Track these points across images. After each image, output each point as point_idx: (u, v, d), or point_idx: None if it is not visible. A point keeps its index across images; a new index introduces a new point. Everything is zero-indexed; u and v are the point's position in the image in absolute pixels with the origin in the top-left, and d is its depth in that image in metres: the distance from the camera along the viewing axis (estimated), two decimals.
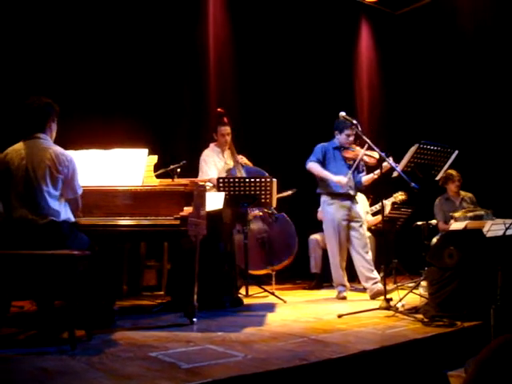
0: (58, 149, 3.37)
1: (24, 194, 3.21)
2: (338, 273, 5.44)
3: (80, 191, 3.45)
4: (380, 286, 5.28)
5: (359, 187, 5.62)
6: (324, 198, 5.52)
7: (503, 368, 1.07)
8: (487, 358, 1.09)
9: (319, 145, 5.55)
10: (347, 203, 5.42)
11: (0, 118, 5.07)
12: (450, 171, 6.38)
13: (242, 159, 6.01)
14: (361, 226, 5.45)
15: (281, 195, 5.83)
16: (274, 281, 6.06)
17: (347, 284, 5.50)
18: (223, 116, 5.92)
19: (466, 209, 6.21)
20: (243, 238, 5.48)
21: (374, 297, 5.23)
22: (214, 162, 5.79)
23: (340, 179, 5.23)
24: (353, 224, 5.42)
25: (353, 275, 5.74)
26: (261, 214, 6.31)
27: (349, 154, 5.41)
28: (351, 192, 5.47)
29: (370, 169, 5.53)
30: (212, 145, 5.93)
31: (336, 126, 5.48)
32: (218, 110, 6.06)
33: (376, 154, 5.05)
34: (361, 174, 5.58)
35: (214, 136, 5.93)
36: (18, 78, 5.41)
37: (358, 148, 5.40)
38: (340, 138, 5.47)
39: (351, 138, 5.43)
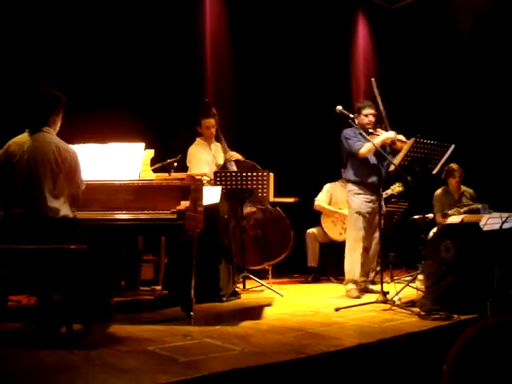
0: (62, 144, 3.34)
1: (24, 189, 3.20)
2: (353, 268, 5.09)
3: (83, 187, 3.45)
4: (368, 285, 5.29)
5: (388, 173, 5.22)
6: (351, 187, 5.23)
7: (474, 362, 1.08)
8: (456, 355, 1.10)
9: (348, 130, 5.17)
10: (374, 197, 5.15)
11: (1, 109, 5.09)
12: (452, 165, 6.39)
13: (234, 155, 5.88)
14: (379, 221, 5.09)
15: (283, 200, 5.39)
16: (271, 275, 6.08)
17: (359, 280, 5.15)
18: (211, 107, 5.84)
19: (459, 204, 6.27)
20: (240, 232, 5.48)
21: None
22: (199, 157, 5.66)
23: (387, 135, 4.94)
24: (376, 218, 5.17)
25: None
26: (254, 210, 6.28)
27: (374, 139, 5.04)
28: (378, 181, 5.09)
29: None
30: (198, 139, 5.79)
31: (356, 109, 5.26)
32: (206, 100, 5.98)
33: (401, 136, 4.99)
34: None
35: (198, 129, 5.75)
36: (16, 71, 5.40)
37: (383, 132, 5.12)
38: (359, 120, 5.18)
39: (371, 118, 5.21)
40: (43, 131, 3.34)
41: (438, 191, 6.62)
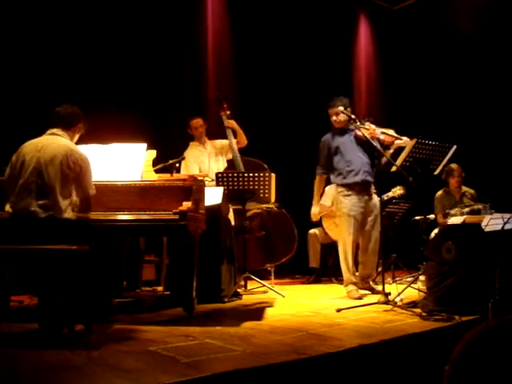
0: (73, 146, 3.41)
1: (33, 185, 3.24)
2: (348, 271, 5.06)
3: (92, 193, 3.46)
4: (371, 284, 5.25)
5: (380, 169, 4.99)
6: (340, 188, 5.12)
7: (477, 363, 1.08)
8: (459, 355, 1.10)
9: (321, 143, 5.27)
10: (365, 197, 5.09)
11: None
12: (451, 165, 6.35)
13: (231, 123, 5.81)
14: (375, 220, 5.08)
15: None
16: (273, 276, 6.08)
17: (357, 280, 5.15)
18: (222, 100, 5.84)
19: (461, 204, 6.23)
20: (242, 233, 5.47)
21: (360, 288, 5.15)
22: (196, 157, 5.61)
23: (313, 211, 5.37)
24: (369, 218, 5.11)
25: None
26: (259, 211, 6.28)
27: (360, 133, 4.97)
28: (369, 178, 5.10)
29: None
30: (191, 143, 5.68)
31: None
32: (217, 93, 5.97)
33: (392, 131, 4.97)
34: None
35: (189, 131, 5.72)
36: (19, 72, 5.43)
37: (372, 126, 5.06)
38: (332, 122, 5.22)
39: (334, 118, 5.15)
40: (59, 135, 3.42)
41: (439, 192, 6.60)
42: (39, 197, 3.22)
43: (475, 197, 6.51)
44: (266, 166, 6.07)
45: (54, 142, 3.36)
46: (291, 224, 6.36)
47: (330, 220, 6.66)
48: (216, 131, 6.03)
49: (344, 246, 5.09)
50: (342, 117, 5.12)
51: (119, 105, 5.98)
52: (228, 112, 5.86)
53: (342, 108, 5.07)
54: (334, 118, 5.18)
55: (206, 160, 5.67)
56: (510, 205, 4.85)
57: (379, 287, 4.71)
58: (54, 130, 3.43)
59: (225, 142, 5.83)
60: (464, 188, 6.54)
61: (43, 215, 3.18)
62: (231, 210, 5.47)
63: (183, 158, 4.95)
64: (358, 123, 4.95)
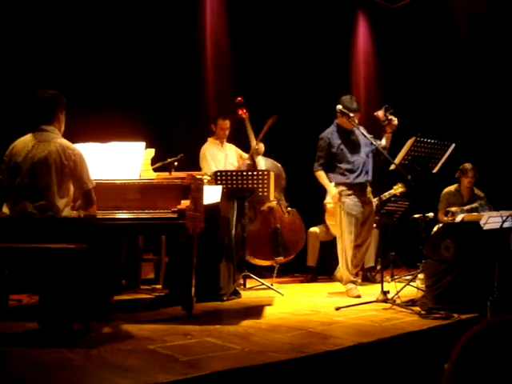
0: (65, 142, 3.38)
1: (28, 187, 3.23)
2: (347, 269, 5.03)
3: (90, 186, 3.44)
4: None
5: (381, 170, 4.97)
6: (340, 187, 5.06)
7: (478, 362, 1.08)
8: (459, 354, 1.10)
9: (321, 140, 5.16)
10: (364, 197, 5.10)
11: (5, 111, 5.11)
12: (466, 165, 6.29)
13: (260, 146, 6.02)
14: (372, 220, 5.17)
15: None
16: (276, 273, 6.08)
17: (356, 279, 5.17)
18: (242, 106, 5.93)
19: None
20: (241, 231, 5.48)
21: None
22: (214, 155, 5.75)
23: (334, 195, 5.02)
24: (368, 220, 5.15)
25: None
26: (273, 204, 6.30)
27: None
28: (368, 178, 5.12)
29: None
30: (210, 139, 5.87)
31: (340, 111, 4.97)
32: (239, 98, 6.09)
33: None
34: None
35: (213, 128, 5.84)
36: (17, 71, 5.41)
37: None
38: (340, 121, 5.09)
39: (356, 121, 4.98)
40: (47, 131, 3.37)
41: (449, 189, 6.49)
42: (34, 199, 3.21)
43: (485, 200, 6.38)
44: (279, 165, 6.20)
45: (45, 139, 3.33)
46: (301, 221, 6.43)
47: (332, 216, 6.64)
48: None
49: (343, 244, 5.05)
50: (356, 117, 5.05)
51: (118, 103, 5.97)
52: (246, 115, 6.07)
53: (340, 106, 5.00)
54: (356, 120, 5.01)
55: (222, 160, 5.86)
56: (508, 202, 4.86)
57: (375, 286, 4.69)
58: (43, 127, 3.38)
59: (245, 155, 6.07)
60: (476, 190, 6.41)
61: (41, 216, 3.18)
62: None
63: (182, 157, 4.96)
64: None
